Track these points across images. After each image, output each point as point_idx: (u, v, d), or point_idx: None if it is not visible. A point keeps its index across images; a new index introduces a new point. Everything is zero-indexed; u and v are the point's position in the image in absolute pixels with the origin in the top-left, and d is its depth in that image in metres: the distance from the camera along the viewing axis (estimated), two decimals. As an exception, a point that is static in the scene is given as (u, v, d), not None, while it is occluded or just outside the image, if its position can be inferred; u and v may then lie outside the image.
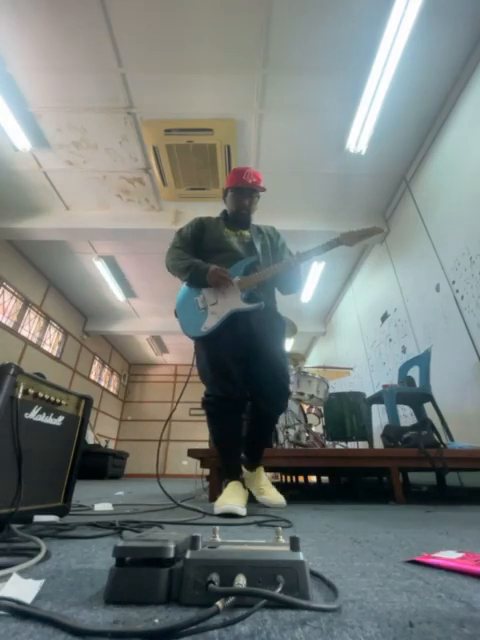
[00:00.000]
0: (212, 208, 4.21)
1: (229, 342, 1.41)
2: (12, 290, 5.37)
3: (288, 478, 3.96)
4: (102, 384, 8.75)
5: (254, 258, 1.56)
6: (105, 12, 2.54)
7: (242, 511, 1.18)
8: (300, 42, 2.70)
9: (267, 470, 3.76)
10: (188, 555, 0.39)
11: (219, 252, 1.56)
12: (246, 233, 1.66)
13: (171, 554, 0.40)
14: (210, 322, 1.42)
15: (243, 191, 1.62)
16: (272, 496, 1.42)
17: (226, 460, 1.44)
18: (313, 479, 3.85)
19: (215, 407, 1.43)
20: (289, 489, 3.05)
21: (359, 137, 3.29)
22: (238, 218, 1.67)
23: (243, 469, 1.48)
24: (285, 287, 1.64)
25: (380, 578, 0.50)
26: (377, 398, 2.72)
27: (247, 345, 1.44)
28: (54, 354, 6.58)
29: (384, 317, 4.38)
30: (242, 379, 1.43)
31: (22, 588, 0.40)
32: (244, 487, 1.37)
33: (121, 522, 0.91)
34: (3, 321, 5.18)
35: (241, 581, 0.36)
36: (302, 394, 2.71)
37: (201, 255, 1.57)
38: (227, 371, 1.40)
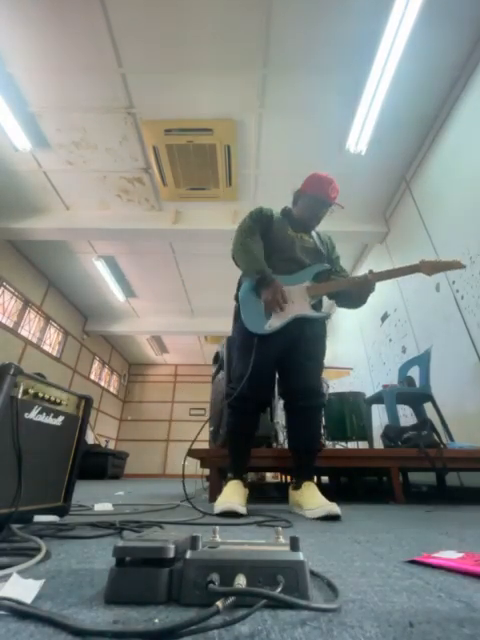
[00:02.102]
0: (213, 208, 4.25)
1: (281, 343, 1.42)
2: (12, 290, 5.37)
3: (288, 478, 3.96)
4: (102, 384, 8.75)
5: (327, 266, 1.55)
6: (105, 12, 2.54)
7: (242, 509, 1.18)
8: (300, 42, 2.70)
9: (266, 470, 3.76)
10: (188, 555, 0.39)
11: (281, 253, 1.52)
12: (308, 238, 1.63)
13: (171, 554, 0.40)
14: (276, 321, 1.40)
15: (324, 204, 1.58)
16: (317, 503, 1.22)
17: (234, 455, 1.44)
18: (314, 480, 3.84)
19: (239, 402, 1.41)
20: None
21: (359, 137, 3.29)
22: (306, 224, 1.64)
23: (290, 491, 1.44)
24: (349, 302, 1.59)
25: (380, 578, 0.50)
26: (377, 398, 2.71)
27: (292, 345, 1.44)
28: (54, 354, 6.59)
29: (384, 317, 4.38)
30: (272, 382, 1.48)
31: (22, 588, 0.40)
32: (244, 486, 1.37)
33: (121, 522, 0.91)
34: (3, 321, 5.18)
35: (241, 581, 0.36)
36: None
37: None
38: (265, 374, 1.41)
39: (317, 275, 1.51)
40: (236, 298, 1.57)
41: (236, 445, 1.44)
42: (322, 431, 2.98)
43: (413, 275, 1.55)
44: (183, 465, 1.28)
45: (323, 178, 1.58)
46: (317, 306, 1.53)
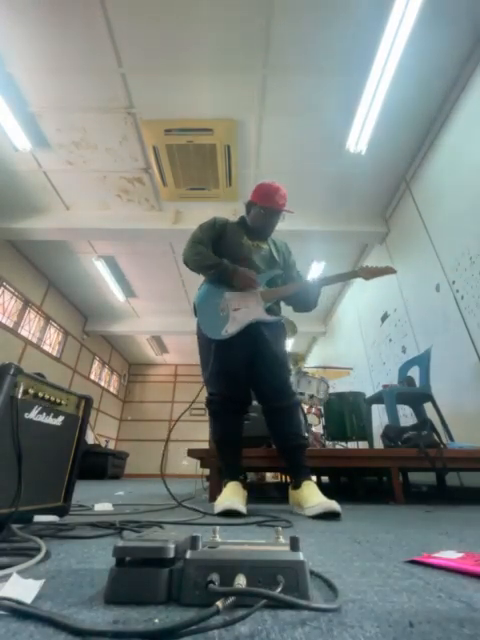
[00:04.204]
0: (212, 208, 4.24)
1: (243, 346, 1.45)
2: (12, 290, 5.37)
3: (288, 478, 3.96)
4: (102, 384, 8.74)
5: (279, 271, 1.63)
6: (105, 12, 2.53)
7: (242, 508, 1.18)
8: (300, 42, 2.70)
9: (265, 470, 3.75)
10: (188, 555, 0.39)
11: (236, 261, 1.56)
12: (264, 246, 1.68)
13: (171, 554, 0.40)
14: (231, 327, 1.44)
15: (274, 213, 1.63)
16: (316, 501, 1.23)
17: (226, 460, 1.44)
18: (313, 479, 3.85)
19: (219, 406, 1.45)
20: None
21: (359, 137, 3.29)
22: (260, 232, 1.69)
23: (290, 491, 1.44)
24: (301, 305, 1.66)
25: (380, 578, 0.50)
26: (377, 398, 2.71)
27: (255, 349, 1.48)
28: (54, 354, 6.58)
29: (384, 317, 4.38)
30: (247, 381, 1.49)
31: (22, 588, 0.40)
32: (243, 487, 1.37)
33: (121, 522, 0.91)
34: (3, 321, 5.18)
35: (241, 581, 0.36)
36: (302, 394, 2.71)
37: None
38: (236, 374, 1.44)
39: (270, 281, 1.59)
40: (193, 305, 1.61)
41: (224, 449, 1.45)
42: (322, 431, 2.99)
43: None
44: (162, 458, 1.28)
45: (271, 187, 1.62)
46: (274, 310, 1.58)
